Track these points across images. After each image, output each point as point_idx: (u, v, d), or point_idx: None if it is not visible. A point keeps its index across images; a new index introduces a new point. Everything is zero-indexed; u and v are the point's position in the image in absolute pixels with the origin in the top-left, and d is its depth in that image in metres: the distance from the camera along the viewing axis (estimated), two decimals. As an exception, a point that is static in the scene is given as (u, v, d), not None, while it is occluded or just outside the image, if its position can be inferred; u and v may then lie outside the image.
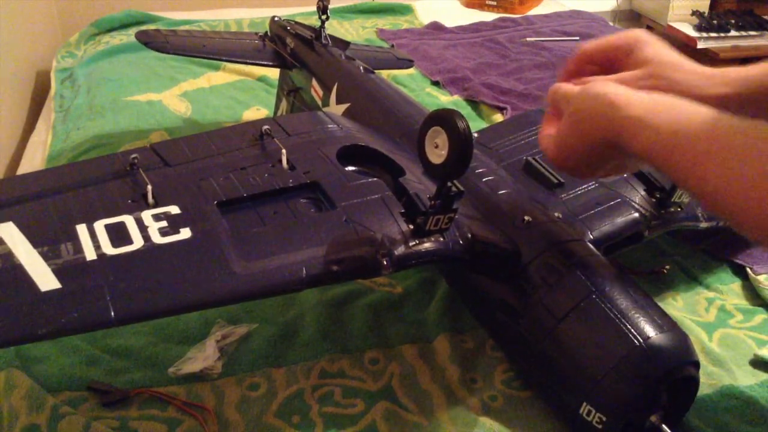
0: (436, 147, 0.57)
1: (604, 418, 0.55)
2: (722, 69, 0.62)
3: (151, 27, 1.66)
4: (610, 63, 0.65)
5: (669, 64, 0.62)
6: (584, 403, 0.57)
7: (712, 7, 2.52)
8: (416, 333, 0.74)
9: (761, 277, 0.82)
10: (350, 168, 0.68)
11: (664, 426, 0.57)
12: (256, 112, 1.28)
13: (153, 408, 0.64)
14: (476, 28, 1.83)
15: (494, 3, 2.02)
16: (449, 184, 0.57)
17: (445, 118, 0.55)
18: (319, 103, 0.96)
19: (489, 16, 1.94)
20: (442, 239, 0.61)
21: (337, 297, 0.78)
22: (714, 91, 0.60)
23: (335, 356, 0.70)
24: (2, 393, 0.63)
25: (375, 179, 0.65)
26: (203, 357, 0.68)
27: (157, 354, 0.70)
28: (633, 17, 2.64)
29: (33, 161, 1.17)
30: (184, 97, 1.33)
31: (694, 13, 2.45)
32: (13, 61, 1.43)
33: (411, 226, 0.60)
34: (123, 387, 0.65)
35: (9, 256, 0.51)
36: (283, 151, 0.65)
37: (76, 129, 1.20)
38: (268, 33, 1.18)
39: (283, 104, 1.13)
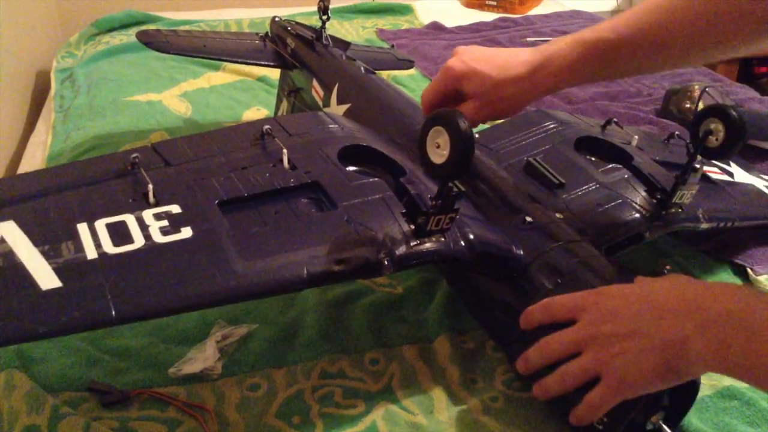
0: (438, 147, 0.57)
1: (605, 419, 0.55)
2: (536, 61, 0.70)
3: (151, 27, 1.66)
4: (451, 99, 0.74)
5: (488, 91, 0.71)
6: None
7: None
8: (417, 333, 0.74)
9: (762, 278, 0.82)
10: (351, 168, 0.68)
11: (664, 426, 0.57)
12: (257, 112, 1.28)
13: (153, 408, 0.63)
14: (476, 28, 1.83)
15: (494, 3, 2.02)
16: (450, 184, 0.57)
17: (446, 118, 0.55)
18: (320, 103, 0.96)
19: (489, 16, 1.94)
20: (443, 239, 0.61)
21: (337, 297, 0.78)
22: (537, 88, 0.71)
23: (335, 357, 0.70)
24: (2, 393, 0.63)
25: (376, 179, 0.65)
26: (203, 357, 0.68)
27: (157, 354, 0.69)
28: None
29: (33, 161, 1.17)
30: (184, 97, 1.33)
31: (694, 13, 2.44)
32: (13, 61, 1.43)
33: (412, 226, 0.60)
34: (123, 387, 0.65)
35: (10, 254, 0.51)
36: (285, 150, 0.65)
37: (76, 129, 1.20)
38: (269, 33, 1.18)
39: (284, 105, 1.13)
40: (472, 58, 0.72)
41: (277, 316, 0.76)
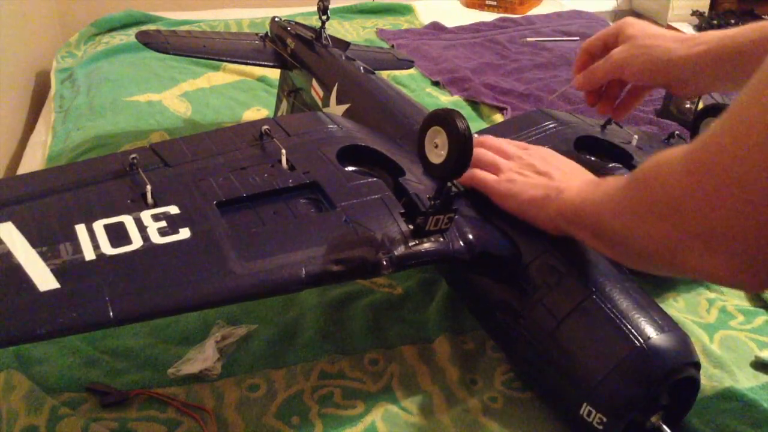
0: (436, 147, 0.56)
1: (604, 419, 0.55)
2: (699, 33, 0.68)
3: (151, 27, 1.66)
4: (606, 50, 0.74)
5: (646, 36, 0.71)
6: (585, 404, 0.56)
7: (712, 7, 2.51)
8: (416, 334, 0.74)
9: (762, 278, 0.82)
10: (350, 168, 0.68)
11: (664, 426, 0.57)
12: (256, 112, 1.28)
13: (152, 409, 0.63)
14: (476, 28, 1.83)
15: (494, 3, 2.02)
16: (449, 184, 0.57)
17: (444, 118, 0.55)
18: (320, 103, 0.96)
19: (489, 17, 1.94)
20: (442, 239, 0.60)
21: (336, 298, 0.78)
22: (687, 51, 0.68)
23: (335, 357, 0.70)
24: (1, 394, 0.63)
25: (375, 179, 0.65)
26: (203, 358, 0.68)
27: (157, 355, 0.69)
28: (633, 17, 2.63)
29: (33, 161, 1.17)
30: (184, 97, 1.33)
31: (694, 13, 2.44)
32: (13, 61, 1.43)
33: (411, 227, 0.60)
34: (122, 388, 0.65)
35: (8, 256, 0.51)
36: (283, 151, 0.65)
37: (76, 129, 1.19)
38: (269, 33, 1.18)
39: (284, 105, 1.13)
40: (646, 21, 0.74)
41: (277, 316, 0.76)
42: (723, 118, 0.42)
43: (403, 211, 0.61)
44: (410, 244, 0.59)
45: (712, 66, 0.66)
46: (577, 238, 0.61)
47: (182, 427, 0.62)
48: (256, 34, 1.18)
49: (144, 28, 1.62)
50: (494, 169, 0.68)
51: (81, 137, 1.16)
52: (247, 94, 1.36)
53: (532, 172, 0.66)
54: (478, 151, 0.68)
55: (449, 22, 1.83)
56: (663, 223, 0.46)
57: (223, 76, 1.43)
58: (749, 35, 0.64)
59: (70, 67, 1.48)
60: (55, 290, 0.49)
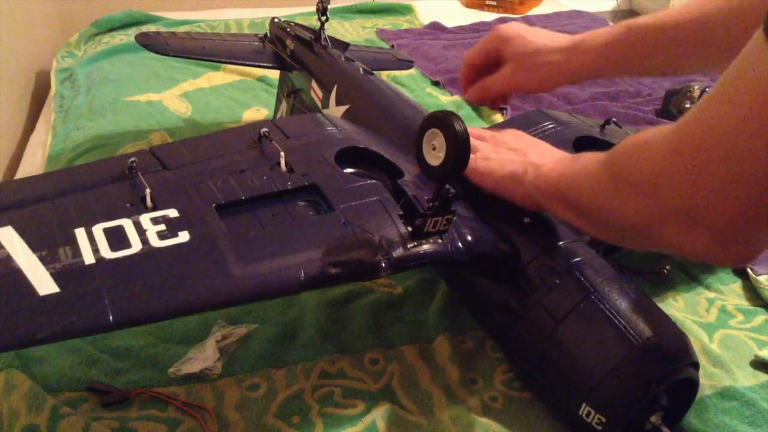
0: (434, 149, 0.57)
1: (603, 419, 0.55)
2: (576, 38, 0.72)
3: (152, 27, 1.66)
4: (489, 61, 0.76)
5: (528, 54, 0.73)
6: (584, 404, 0.57)
7: (712, 7, 2.51)
8: (416, 333, 0.74)
9: (762, 278, 0.82)
10: (349, 170, 0.68)
11: (663, 426, 0.57)
12: (257, 112, 1.28)
13: (153, 408, 0.63)
14: (476, 28, 1.83)
15: (494, 3, 2.02)
16: (447, 185, 0.57)
17: (442, 121, 0.55)
18: (319, 104, 0.96)
19: (489, 16, 1.94)
20: (440, 241, 0.60)
21: (337, 297, 0.78)
22: (574, 62, 0.71)
23: (335, 357, 0.70)
24: (2, 393, 0.63)
25: (373, 181, 0.65)
26: (203, 357, 0.68)
27: (157, 354, 0.70)
28: (633, 17, 2.63)
29: (33, 161, 1.17)
30: (184, 97, 1.33)
31: (695, 13, 2.44)
32: (13, 61, 1.43)
33: (409, 228, 0.60)
34: (123, 387, 0.65)
35: (8, 260, 0.51)
36: (282, 153, 0.65)
37: (76, 129, 1.19)
38: (268, 34, 1.18)
39: (283, 106, 1.13)
40: (521, 26, 0.75)
41: (277, 316, 0.76)
42: (706, 99, 0.42)
43: (401, 212, 0.61)
44: (409, 245, 0.59)
45: (597, 70, 0.72)
46: (553, 213, 0.61)
47: (183, 427, 0.62)
48: (256, 35, 1.18)
49: (144, 28, 1.63)
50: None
51: (81, 137, 1.16)
52: (247, 94, 1.36)
53: (506, 149, 0.68)
54: None
55: (449, 22, 1.83)
56: (644, 199, 0.47)
57: (224, 76, 1.43)
58: (621, 39, 0.69)
59: (70, 67, 1.48)
60: (55, 294, 0.49)
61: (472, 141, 0.69)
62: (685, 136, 0.43)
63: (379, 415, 0.63)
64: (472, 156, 0.67)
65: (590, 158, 0.55)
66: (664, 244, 0.48)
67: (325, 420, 0.63)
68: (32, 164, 1.16)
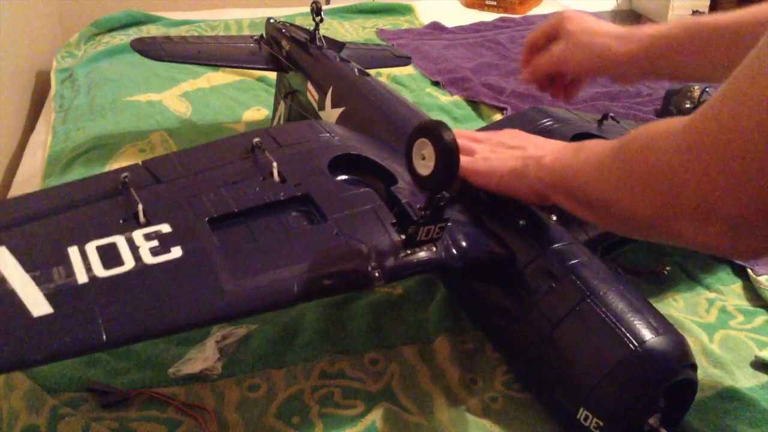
0: (423, 159, 0.57)
1: (601, 423, 0.55)
2: (633, 28, 0.72)
3: (152, 27, 1.66)
4: (549, 43, 0.77)
5: (584, 32, 0.73)
6: (581, 408, 0.56)
7: (712, 7, 2.51)
8: (416, 334, 0.74)
9: (762, 278, 0.82)
10: (342, 177, 0.67)
11: (662, 428, 0.57)
12: (257, 112, 1.28)
13: (153, 409, 0.63)
14: (476, 28, 1.83)
15: (494, 3, 2.02)
16: (439, 194, 0.57)
17: (431, 130, 0.55)
18: (315, 106, 0.96)
19: (489, 16, 1.94)
20: (434, 249, 0.60)
21: (337, 298, 0.78)
22: (624, 48, 0.71)
23: (335, 357, 0.70)
24: (2, 394, 0.63)
25: (366, 189, 0.65)
26: (203, 358, 0.68)
27: (157, 355, 0.69)
28: (633, 17, 2.63)
29: (33, 161, 1.17)
30: (184, 97, 1.33)
31: (694, 12, 2.44)
32: (13, 61, 1.43)
33: (403, 237, 0.59)
34: (123, 388, 0.65)
35: (1, 281, 0.50)
36: (274, 164, 0.65)
37: (76, 129, 1.19)
38: (264, 35, 1.17)
39: (281, 107, 1.13)
40: (584, 13, 0.77)
41: (277, 316, 0.76)
42: (720, 95, 0.42)
43: (394, 221, 0.61)
44: (402, 254, 0.59)
45: (645, 61, 0.71)
46: (558, 204, 0.61)
47: (183, 427, 0.62)
48: (251, 37, 1.18)
49: (144, 28, 1.63)
50: (467, 153, 0.68)
51: (81, 137, 1.16)
52: (247, 94, 1.36)
53: (504, 148, 0.68)
54: None
55: (449, 22, 1.83)
56: (655, 194, 0.47)
57: (223, 76, 1.43)
58: (675, 33, 0.69)
59: (70, 67, 1.48)
60: (49, 315, 0.49)
61: (470, 144, 0.69)
62: (699, 134, 0.43)
63: (379, 415, 0.63)
64: (470, 158, 0.67)
65: (595, 149, 0.55)
66: (678, 237, 0.47)
67: (325, 420, 0.63)
68: (32, 164, 1.16)
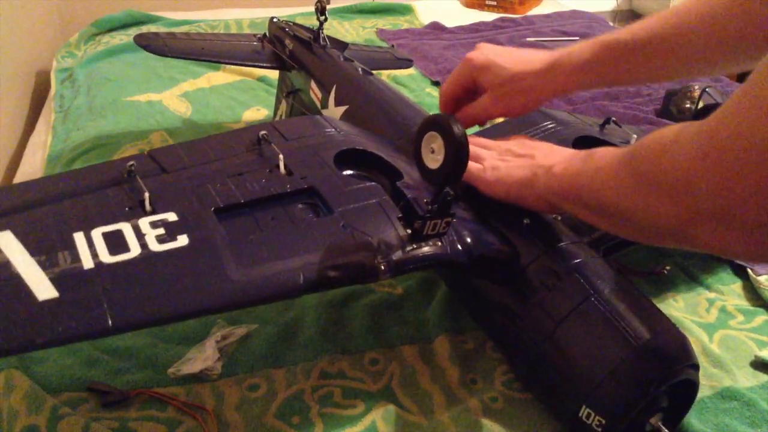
0: (432, 152, 0.57)
1: (603, 421, 0.55)
2: (554, 59, 0.71)
3: (152, 27, 1.66)
4: (468, 92, 0.76)
5: (504, 83, 0.73)
6: (583, 406, 0.56)
7: (712, 7, 2.51)
8: (416, 333, 0.74)
9: (762, 278, 0.82)
10: (348, 172, 0.68)
11: (663, 428, 0.57)
12: (257, 112, 1.28)
13: (153, 409, 0.63)
14: (476, 28, 1.83)
15: (494, 3, 2.02)
16: (446, 188, 0.57)
17: (440, 123, 0.55)
18: (318, 105, 0.96)
19: (489, 16, 1.94)
20: (440, 244, 0.60)
21: (337, 298, 0.78)
22: (550, 87, 0.72)
23: (335, 357, 0.70)
24: (2, 393, 0.63)
25: (372, 183, 0.65)
26: (203, 358, 0.68)
27: (157, 355, 0.70)
28: (633, 17, 2.63)
29: (33, 161, 1.17)
30: (184, 97, 1.33)
31: (695, 13, 2.44)
32: (13, 61, 1.43)
33: (408, 231, 0.60)
34: (123, 388, 0.65)
35: (7, 265, 0.50)
36: (281, 156, 0.65)
37: (76, 129, 1.20)
38: (267, 34, 1.17)
39: (283, 106, 1.13)
40: (493, 52, 0.74)
41: (277, 316, 0.76)
42: (735, 99, 0.42)
43: (400, 215, 0.61)
44: (408, 248, 0.59)
45: (574, 88, 0.73)
46: (571, 214, 0.61)
47: (182, 427, 0.62)
48: (255, 35, 1.18)
49: (144, 28, 1.63)
50: (475, 160, 0.68)
51: (81, 137, 1.16)
52: (247, 94, 1.36)
53: (513, 156, 0.68)
54: None
55: (449, 22, 1.83)
56: (674, 201, 0.46)
57: (224, 76, 1.43)
58: (600, 59, 0.69)
59: (70, 67, 1.48)
60: (54, 299, 0.49)
61: (478, 150, 0.69)
62: (715, 139, 0.43)
63: (379, 415, 0.63)
64: (479, 166, 0.67)
65: (606, 156, 0.55)
66: (697, 243, 0.47)
67: (325, 420, 0.63)
68: (32, 164, 1.16)
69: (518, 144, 0.70)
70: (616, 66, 0.69)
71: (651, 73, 0.70)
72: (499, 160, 0.68)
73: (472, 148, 0.67)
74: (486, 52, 0.74)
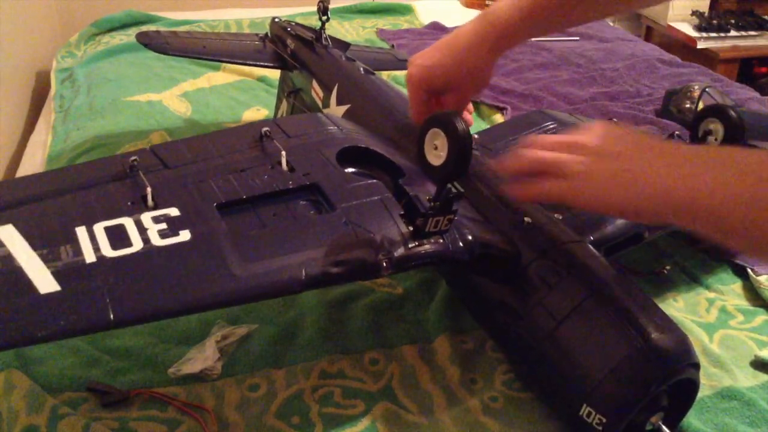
0: (436, 149, 0.57)
1: (604, 420, 0.55)
2: (480, 18, 0.73)
3: (152, 27, 1.66)
4: (436, 105, 0.75)
5: (454, 73, 0.72)
6: (584, 405, 0.56)
7: (712, 7, 2.52)
8: (416, 333, 0.74)
9: (762, 278, 0.82)
10: (350, 169, 0.68)
11: (664, 427, 0.57)
12: (257, 112, 1.28)
13: (153, 409, 0.63)
14: (476, 28, 1.82)
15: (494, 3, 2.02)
16: (449, 185, 0.57)
17: (444, 120, 0.55)
18: (320, 104, 0.96)
19: (489, 16, 1.94)
20: (441, 241, 0.60)
21: (337, 297, 0.78)
22: (490, 41, 0.71)
23: (335, 357, 0.70)
24: (2, 393, 0.63)
25: (374, 181, 0.65)
26: (203, 358, 0.68)
27: (157, 355, 0.70)
28: (633, 17, 2.64)
29: (33, 161, 1.17)
30: (184, 97, 1.33)
31: (694, 13, 2.45)
32: (13, 61, 1.43)
33: (410, 228, 0.60)
34: (123, 388, 0.65)
35: (8, 258, 0.51)
36: (283, 152, 0.65)
37: (76, 129, 1.20)
38: (269, 34, 1.18)
39: (284, 105, 1.13)
40: (422, 57, 0.75)
41: (277, 316, 0.76)
42: None
43: (402, 212, 0.61)
44: (410, 245, 0.59)
45: (508, 48, 0.74)
46: (676, 225, 0.56)
47: (183, 427, 0.62)
48: (256, 35, 1.18)
49: (144, 28, 1.63)
50: (559, 170, 0.58)
51: (81, 137, 1.16)
52: (247, 94, 1.36)
53: (603, 157, 0.57)
54: (536, 155, 0.60)
55: (449, 22, 1.83)
56: None
57: (224, 76, 1.43)
58: (532, 16, 0.70)
59: (70, 67, 1.48)
60: (56, 293, 0.49)
61: (560, 157, 0.59)
62: None
63: (379, 415, 0.63)
64: (568, 184, 0.58)
65: (729, 168, 0.50)
66: None
67: (325, 420, 0.63)
68: (32, 164, 1.16)
69: (605, 138, 0.58)
70: (541, 19, 0.70)
71: (580, 17, 0.72)
72: (589, 166, 0.57)
73: (550, 156, 0.59)
74: (417, 62, 0.75)
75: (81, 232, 0.54)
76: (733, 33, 2.37)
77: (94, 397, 0.64)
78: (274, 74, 1.26)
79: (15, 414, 0.60)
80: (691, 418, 0.62)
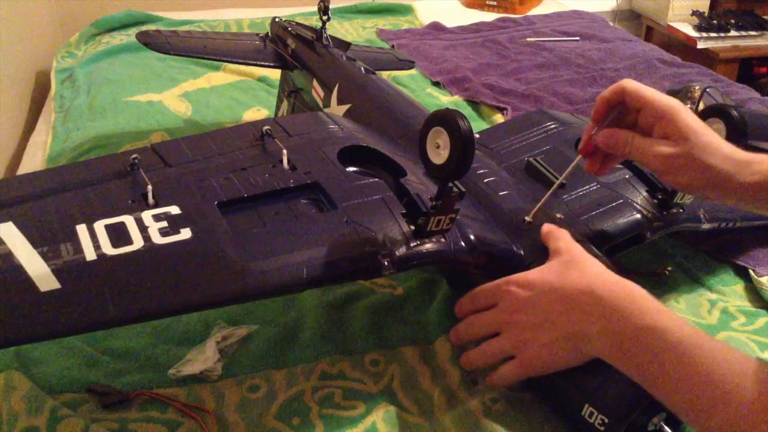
0: (438, 147, 0.56)
1: (606, 420, 0.55)
2: (754, 156, 0.62)
3: (152, 27, 1.66)
4: (624, 108, 0.66)
5: (705, 147, 0.61)
6: (586, 405, 0.56)
7: (712, 7, 2.52)
8: (417, 334, 0.73)
9: (764, 279, 0.82)
10: (351, 168, 0.68)
11: (666, 428, 0.57)
12: (257, 112, 1.28)
13: (153, 410, 0.63)
14: (476, 28, 1.83)
15: (494, 3, 2.02)
16: (450, 184, 0.57)
17: (446, 119, 0.55)
18: (320, 104, 0.96)
19: (489, 17, 1.94)
20: (443, 240, 0.60)
21: (337, 298, 0.77)
22: (748, 179, 0.61)
23: (336, 358, 0.70)
24: (2, 395, 0.62)
25: (376, 180, 0.65)
26: (203, 359, 0.68)
27: (157, 356, 0.69)
28: (633, 17, 2.64)
29: (33, 161, 1.17)
30: (184, 97, 1.33)
31: (694, 13, 2.45)
32: (13, 61, 1.43)
33: (412, 227, 0.60)
34: (123, 389, 0.65)
35: (9, 256, 0.51)
36: (284, 151, 0.65)
37: (76, 129, 1.20)
38: (269, 34, 1.18)
39: (284, 105, 1.13)
40: (667, 101, 0.63)
41: (277, 317, 0.75)
42: None
43: (404, 211, 0.61)
44: (412, 244, 0.59)
45: (765, 194, 0.62)
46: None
47: (183, 428, 0.62)
48: (257, 35, 1.18)
49: (144, 28, 1.63)
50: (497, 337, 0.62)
51: (81, 137, 1.16)
52: (247, 94, 1.36)
53: (530, 327, 0.60)
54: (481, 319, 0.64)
55: (449, 22, 1.83)
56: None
57: (224, 76, 1.43)
58: None
59: (70, 67, 1.48)
60: (56, 290, 0.49)
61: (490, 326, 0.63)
62: None
63: (379, 416, 0.63)
64: (515, 363, 0.61)
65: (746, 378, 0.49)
66: None
67: (325, 421, 0.63)
68: (32, 164, 1.16)
69: (522, 307, 0.61)
70: None
71: None
72: (517, 337, 0.61)
73: (481, 325, 0.64)
74: (663, 101, 0.62)
75: (81, 230, 0.54)
76: (733, 33, 2.37)
77: (94, 398, 0.64)
78: (275, 74, 1.26)
79: (15, 415, 0.60)
80: (693, 420, 0.62)
